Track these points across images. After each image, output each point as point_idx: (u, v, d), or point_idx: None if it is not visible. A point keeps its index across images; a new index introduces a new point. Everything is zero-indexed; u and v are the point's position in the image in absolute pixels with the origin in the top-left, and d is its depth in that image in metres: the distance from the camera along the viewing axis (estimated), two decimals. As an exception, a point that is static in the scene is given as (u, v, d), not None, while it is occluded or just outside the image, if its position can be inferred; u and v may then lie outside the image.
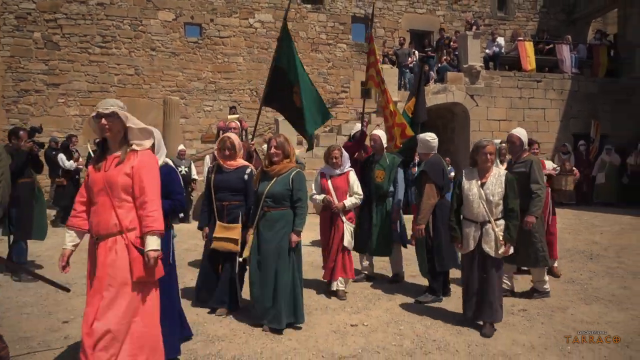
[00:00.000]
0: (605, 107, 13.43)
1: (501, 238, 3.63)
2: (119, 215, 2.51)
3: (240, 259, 3.91)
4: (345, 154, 4.78)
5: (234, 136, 4.06)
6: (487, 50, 13.35)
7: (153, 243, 2.51)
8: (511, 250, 3.72)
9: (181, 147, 10.52)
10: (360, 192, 4.70)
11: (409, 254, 6.38)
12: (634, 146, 12.39)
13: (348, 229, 4.63)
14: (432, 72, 13.40)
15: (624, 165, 12.10)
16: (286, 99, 5.39)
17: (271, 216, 3.72)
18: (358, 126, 6.52)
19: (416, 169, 5.80)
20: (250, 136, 12.19)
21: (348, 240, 4.62)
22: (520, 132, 4.73)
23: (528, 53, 13.01)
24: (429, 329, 3.76)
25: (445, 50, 13.50)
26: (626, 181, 11.99)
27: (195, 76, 13.75)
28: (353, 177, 4.72)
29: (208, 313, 4.05)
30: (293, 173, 3.76)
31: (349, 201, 4.62)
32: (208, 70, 13.87)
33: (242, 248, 3.91)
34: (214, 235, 3.95)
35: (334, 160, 4.65)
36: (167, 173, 3.11)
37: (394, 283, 5.22)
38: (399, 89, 12.47)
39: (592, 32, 16.11)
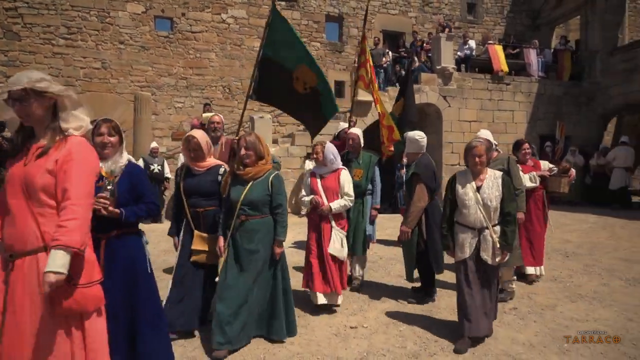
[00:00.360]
0: (568, 109, 14.01)
1: (498, 245, 3.41)
2: (41, 224, 1.90)
3: (217, 279, 3.35)
4: (334, 151, 4.30)
5: (199, 134, 3.55)
6: (458, 53, 13.62)
7: (55, 262, 1.78)
8: (507, 258, 3.52)
9: (154, 144, 10.20)
10: (352, 193, 4.23)
11: (397, 254, 6.42)
12: (595, 147, 12.98)
13: (338, 235, 4.14)
14: (403, 72, 13.56)
15: (587, 166, 12.62)
16: (283, 91, 4.88)
17: (251, 225, 3.29)
18: (342, 125, 6.45)
19: (404, 170, 5.77)
20: (225, 133, 11.99)
21: (335, 248, 4.08)
22: (487, 134, 4.71)
23: (499, 55, 13.37)
24: (429, 330, 3.76)
25: (416, 55, 13.62)
26: (589, 181, 12.51)
27: (165, 71, 13.35)
28: (344, 176, 4.28)
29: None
30: (272, 176, 3.36)
31: (337, 203, 4.12)
32: (179, 66, 13.49)
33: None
34: (193, 247, 3.48)
35: (315, 156, 4.35)
36: (133, 172, 2.73)
37: (354, 290, 4.88)
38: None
39: (555, 37, 16.75)
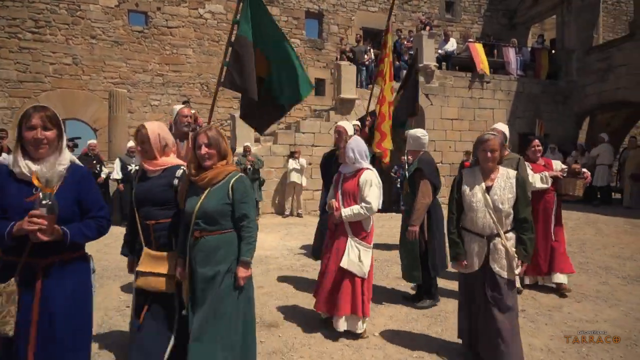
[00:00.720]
0: (546, 107, 14.23)
1: (515, 255, 2.93)
2: None
3: (184, 312, 2.65)
4: (359, 147, 3.59)
5: (150, 125, 2.80)
6: (439, 51, 13.62)
7: None
8: (523, 269, 3.02)
9: (131, 143, 9.72)
10: (371, 200, 3.45)
11: (392, 256, 6.26)
12: (573, 145, 13.21)
13: (353, 247, 3.48)
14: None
15: (565, 163, 12.80)
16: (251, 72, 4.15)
17: (207, 244, 2.55)
18: (354, 123, 6.18)
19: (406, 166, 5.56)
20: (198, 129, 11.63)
21: (347, 260, 3.44)
22: (503, 127, 4.42)
23: (480, 54, 13.44)
24: (441, 336, 3.60)
25: (400, 54, 13.55)
26: (569, 178, 12.70)
27: (140, 68, 12.87)
28: (366, 178, 3.52)
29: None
30: (233, 179, 2.60)
31: (350, 210, 3.47)
32: (155, 62, 13.03)
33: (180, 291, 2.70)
34: (138, 268, 2.67)
35: (339, 152, 3.71)
36: (79, 177, 2.14)
37: None
38: (357, 86, 12.39)
39: (531, 36, 17.00)
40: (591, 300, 4.58)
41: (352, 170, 3.61)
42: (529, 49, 15.06)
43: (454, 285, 4.75)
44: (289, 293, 4.75)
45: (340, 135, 4.57)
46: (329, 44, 15.11)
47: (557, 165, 4.85)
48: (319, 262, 4.53)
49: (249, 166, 10.08)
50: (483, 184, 3.02)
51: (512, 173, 3.06)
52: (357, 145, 3.59)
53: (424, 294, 4.44)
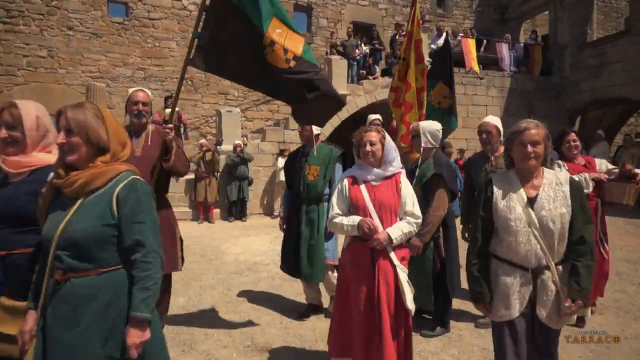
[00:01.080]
0: (539, 104, 14.00)
1: (564, 292, 2.05)
2: None
3: None
4: (390, 143, 2.72)
5: (27, 105, 2.03)
6: (432, 46, 13.25)
7: None
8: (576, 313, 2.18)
9: (110, 141, 9.18)
10: (419, 212, 2.67)
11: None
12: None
13: (404, 278, 2.56)
14: (376, 67, 13.10)
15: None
16: (249, 59, 3.05)
17: (74, 291, 1.62)
18: (371, 117, 5.66)
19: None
20: (182, 127, 10.93)
21: (409, 299, 2.53)
22: (496, 120, 3.80)
23: (471, 50, 13.11)
24: (460, 361, 3.20)
25: (392, 50, 13.16)
26: (563, 177, 12.49)
27: (121, 61, 12.23)
28: (408, 185, 2.72)
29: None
30: (120, 186, 1.69)
31: (398, 229, 2.55)
32: (136, 55, 12.41)
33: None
34: None
35: (367, 149, 2.62)
36: None
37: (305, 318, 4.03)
38: (348, 81, 11.95)
39: (523, 32, 16.76)
40: (612, 311, 4.23)
41: (379, 175, 2.66)
42: (522, 44, 14.81)
43: (465, 305, 4.31)
44: (284, 308, 4.30)
45: (305, 129, 3.97)
46: (318, 38, 14.64)
47: (602, 165, 3.86)
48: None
49: (241, 151, 9.64)
50: (523, 193, 2.12)
51: (564, 177, 2.15)
52: (394, 145, 2.75)
53: (434, 320, 3.78)
